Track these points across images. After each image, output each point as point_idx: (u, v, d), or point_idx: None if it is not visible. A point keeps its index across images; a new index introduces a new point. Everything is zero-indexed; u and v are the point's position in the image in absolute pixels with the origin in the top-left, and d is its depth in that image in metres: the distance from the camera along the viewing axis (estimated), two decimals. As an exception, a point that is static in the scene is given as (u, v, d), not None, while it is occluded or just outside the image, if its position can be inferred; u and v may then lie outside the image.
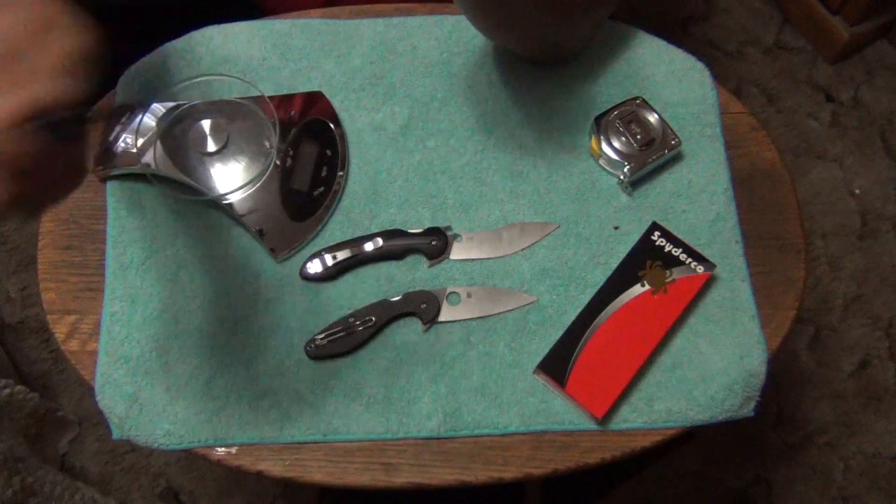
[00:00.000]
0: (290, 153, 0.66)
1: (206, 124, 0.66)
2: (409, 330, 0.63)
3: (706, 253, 0.64)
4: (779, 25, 1.53)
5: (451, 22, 0.73)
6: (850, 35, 1.42)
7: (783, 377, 1.27)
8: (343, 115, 0.70)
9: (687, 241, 0.64)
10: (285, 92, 0.70)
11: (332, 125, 0.68)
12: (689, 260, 0.63)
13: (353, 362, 0.62)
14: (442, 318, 0.62)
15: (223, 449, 0.59)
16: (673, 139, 0.67)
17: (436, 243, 0.65)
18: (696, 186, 0.68)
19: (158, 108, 0.67)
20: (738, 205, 0.67)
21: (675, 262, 0.63)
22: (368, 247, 0.64)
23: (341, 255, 0.64)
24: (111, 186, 0.67)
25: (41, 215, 0.43)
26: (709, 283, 0.64)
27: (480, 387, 0.61)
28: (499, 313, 0.63)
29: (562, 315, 0.63)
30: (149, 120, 0.66)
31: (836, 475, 1.22)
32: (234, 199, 0.65)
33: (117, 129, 0.66)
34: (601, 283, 0.63)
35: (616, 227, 0.66)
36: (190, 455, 0.60)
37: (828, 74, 1.49)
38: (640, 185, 0.68)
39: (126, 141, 0.66)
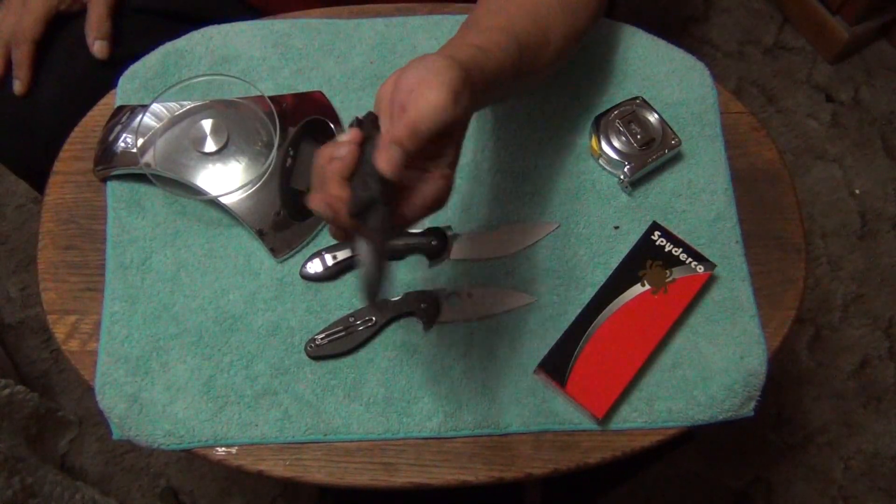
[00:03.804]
0: (290, 153, 0.66)
1: (206, 124, 0.66)
2: (409, 330, 0.63)
3: (706, 253, 0.64)
4: (779, 25, 1.53)
5: (451, 22, 0.73)
6: (850, 35, 1.42)
7: (783, 377, 1.27)
8: (343, 115, 0.70)
9: (687, 240, 0.64)
10: (285, 92, 0.70)
11: (332, 125, 0.68)
12: (690, 260, 0.63)
13: (353, 362, 0.61)
14: (442, 318, 0.62)
15: (223, 449, 0.59)
16: (673, 139, 0.67)
17: (436, 243, 0.65)
18: (696, 186, 0.68)
19: (158, 108, 0.67)
20: (738, 205, 0.67)
21: (675, 261, 0.63)
22: (368, 247, 0.64)
23: (341, 255, 0.64)
24: (111, 186, 0.67)
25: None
26: (709, 282, 0.64)
27: (481, 387, 0.61)
28: (499, 313, 0.63)
29: (562, 315, 0.63)
30: (149, 120, 0.66)
31: (836, 475, 1.22)
32: (234, 199, 0.65)
33: (117, 129, 0.66)
34: (601, 283, 0.63)
35: (616, 227, 0.66)
36: (190, 455, 0.60)
37: (828, 74, 1.49)
38: (640, 184, 0.68)
39: (126, 141, 0.66)
